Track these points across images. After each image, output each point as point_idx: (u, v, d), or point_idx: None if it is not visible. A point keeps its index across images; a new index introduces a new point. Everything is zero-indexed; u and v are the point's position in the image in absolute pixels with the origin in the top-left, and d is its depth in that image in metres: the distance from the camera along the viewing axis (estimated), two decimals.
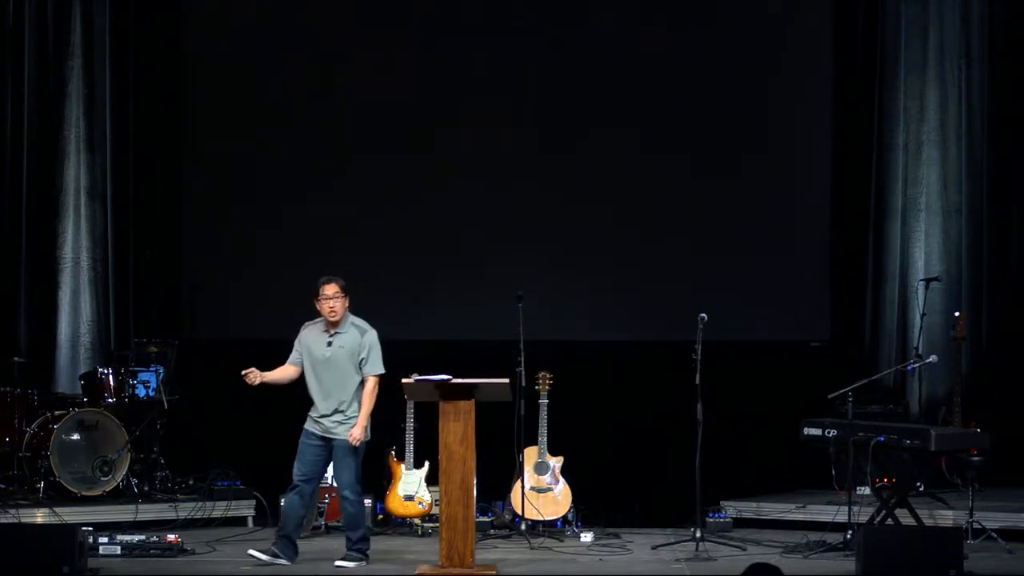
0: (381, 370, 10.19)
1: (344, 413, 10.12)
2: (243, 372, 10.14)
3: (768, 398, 12.40)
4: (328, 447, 10.17)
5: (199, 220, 13.10)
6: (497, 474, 11.41)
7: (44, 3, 13.03)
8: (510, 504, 11.51)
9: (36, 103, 13.02)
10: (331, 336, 10.17)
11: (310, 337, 10.26)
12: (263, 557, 10.06)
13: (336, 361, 10.14)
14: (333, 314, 10.13)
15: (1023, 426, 12.28)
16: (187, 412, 12.30)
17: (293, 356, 10.32)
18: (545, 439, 11.51)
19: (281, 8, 13.08)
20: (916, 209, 12.99)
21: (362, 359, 10.14)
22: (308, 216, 12.91)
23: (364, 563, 10.13)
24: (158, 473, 12.07)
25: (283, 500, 10.39)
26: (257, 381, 10.16)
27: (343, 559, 10.12)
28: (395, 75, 12.91)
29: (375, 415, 10.20)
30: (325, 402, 10.14)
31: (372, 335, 10.20)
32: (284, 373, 10.31)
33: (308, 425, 10.22)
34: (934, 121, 12.97)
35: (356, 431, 10.10)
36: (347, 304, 10.18)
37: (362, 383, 10.14)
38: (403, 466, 11.54)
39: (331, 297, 10.14)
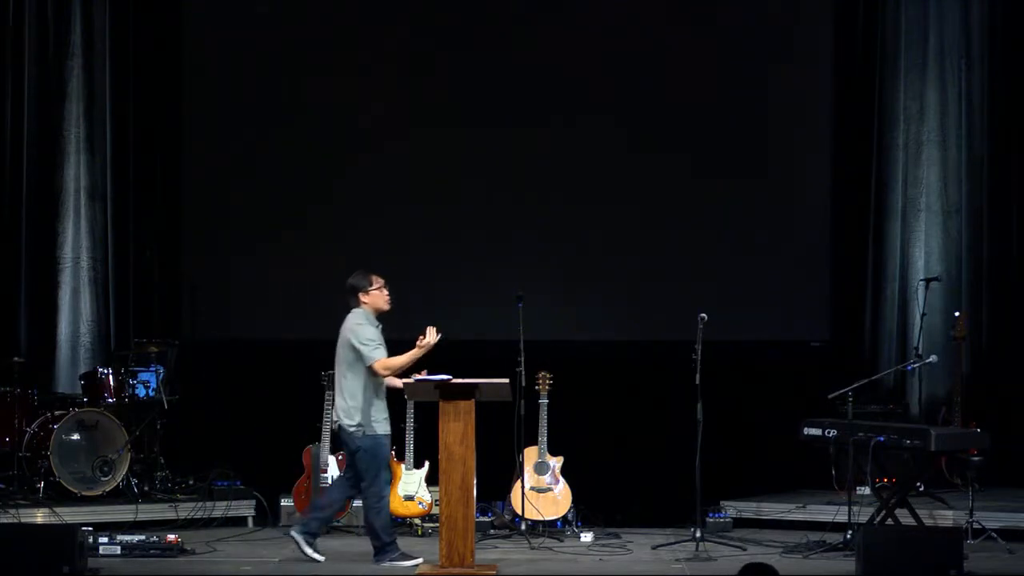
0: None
1: None
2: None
3: (768, 398, 12.39)
4: None
5: (199, 220, 13.08)
6: (497, 474, 11.40)
7: (44, 3, 13.02)
8: (510, 504, 11.51)
9: (36, 103, 13.00)
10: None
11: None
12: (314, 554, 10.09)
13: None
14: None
15: (1023, 426, 12.29)
16: (187, 412, 12.28)
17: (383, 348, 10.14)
18: (545, 439, 11.50)
19: (281, 9, 13.07)
20: (916, 209, 12.99)
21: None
22: (308, 216, 12.89)
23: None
24: (158, 473, 12.06)
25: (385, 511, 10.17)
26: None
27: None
28: (395, 75, 12.90)
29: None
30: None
31: None
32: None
33: (386, 429, 10.14)
34: (934, 121, 12.97)
35: None
36: None
37: None
38: (403, 466, 11.53)
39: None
